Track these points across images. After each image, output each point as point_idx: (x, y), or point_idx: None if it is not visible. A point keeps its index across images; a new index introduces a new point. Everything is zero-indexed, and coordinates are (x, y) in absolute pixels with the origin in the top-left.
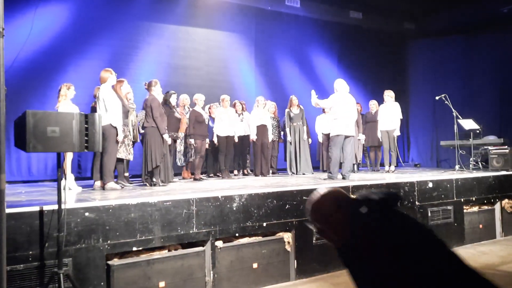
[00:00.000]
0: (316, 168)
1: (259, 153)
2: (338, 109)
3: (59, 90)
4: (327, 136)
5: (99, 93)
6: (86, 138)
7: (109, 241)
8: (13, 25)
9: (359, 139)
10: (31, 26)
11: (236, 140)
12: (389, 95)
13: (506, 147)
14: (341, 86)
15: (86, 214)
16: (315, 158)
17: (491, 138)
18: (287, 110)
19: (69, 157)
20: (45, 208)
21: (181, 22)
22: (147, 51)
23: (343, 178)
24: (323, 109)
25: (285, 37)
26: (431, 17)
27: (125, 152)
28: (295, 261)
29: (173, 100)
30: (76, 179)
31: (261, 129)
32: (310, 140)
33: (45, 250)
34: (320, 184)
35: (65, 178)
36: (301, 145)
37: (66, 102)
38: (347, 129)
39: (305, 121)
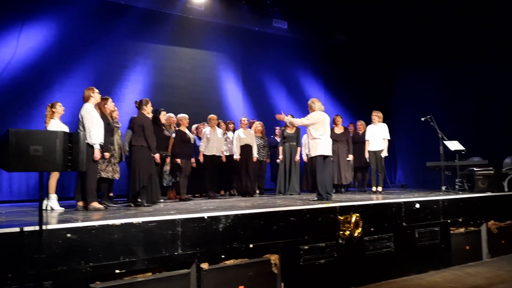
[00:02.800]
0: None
1: (244, 172)
2: (317, 129)
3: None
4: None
5: (80, 111)
6: (69, 157)
7: (91, 264)
8: None
9: (349, 160)
10: (16, 44)
11: (224, 159)
12: (377, 115)
13: (491, 168)
14: (318, 105)
15: (68, 235)
16: (303, 178)
17: (476, 159)
18: (282, 128)
19: (54, 176)
20: (25, 229)
21: (168, 41)
22: (134, 70)
23: (326, 198)
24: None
25: (272, 58)
26: (416, 41)
27: (112, 172)
28: (282, 283)
29: (162, 118)
30: (59, 199)
31: (246, 149)
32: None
33: (25, 272)
34: (308, 205)
35: (48, 198)
36: (292, 166)
37: (55, 121)
38: (326, 149)
39: (299, 142)
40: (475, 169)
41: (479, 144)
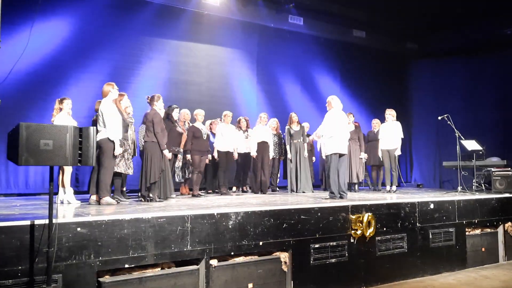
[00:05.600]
0: (317, 186)
1: (259, 170)
2: (332, 127)
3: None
4: None
5: (99, 106)
6: (79, 152)
7: (100, 258)
8: (12, 37)
9: (361, 158)
10: (28, 39)
11: (236, 156)
12: (390, 113)
13: (509, 169)
14: (336, 103)
15: (78, 229)
16: (319, 176)
17: (494, 160)
18: (287, 127)
19: (68, 170)
20: (37, 222)
21: (183, 37)
22: (149, 65)
23: (340, 197)
24: None
25: (287, 54)
26: (434, 37)
27: (125, 166)
28: (292, 282)
29: (175, 114)
30: (73, 193)
31: (262, 146)
32: (314, 158)
33: (35, 265)
34: (320, 204)
35: (64, 192)
36: (301, 163)
37: (62, 116)
38: (341, 147)
39: (306, 138)
40: (492, 169)
41: (498, 144)
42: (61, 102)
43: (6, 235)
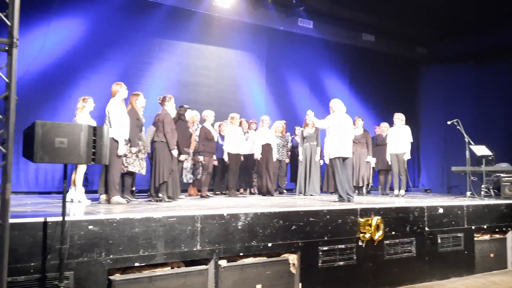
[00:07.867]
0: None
1: (265, 172)
2: (335, 131)
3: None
4: None
5: (107, 106)
6: (93, 150)
7: (111, 256)
8: (27, 37)
9: (369, 162)
10: (44, 39)
11: (242, 158)
12: (399, 118)
13: None
14: (338, 106)
15: (90, 227)
16: (323, 179)
17: (504, 165)
18: (301, 129)
19: (81, 169)
20: (49, 219)
21: (194, 39)
22: (159, 67)
23: (348, 200)
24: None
25: (296, 57)
26: (444, 42)
27: (138, 166)
28: (300, 284)
29: (187, 115)
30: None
31: (266, 148)
32: (321, 161)
33: (47, 262)
34: (329, 206)
35: (76, 191)
36: (312, 166)
37: (84, 115)
38: (344, 151)
39: (319, 141)
40: (502, 175)
41: (507, 150)
42: (85, 100)
43: (19, 232)
